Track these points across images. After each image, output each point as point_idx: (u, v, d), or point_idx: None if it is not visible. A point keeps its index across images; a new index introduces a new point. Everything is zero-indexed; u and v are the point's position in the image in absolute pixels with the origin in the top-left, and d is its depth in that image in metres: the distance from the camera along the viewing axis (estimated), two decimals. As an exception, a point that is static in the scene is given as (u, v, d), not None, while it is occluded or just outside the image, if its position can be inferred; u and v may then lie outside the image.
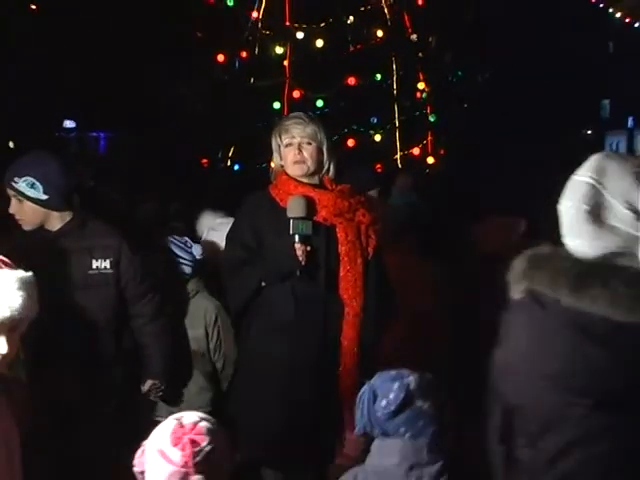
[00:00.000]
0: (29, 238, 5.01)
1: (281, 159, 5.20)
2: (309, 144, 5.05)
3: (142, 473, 3.00)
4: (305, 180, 5.09)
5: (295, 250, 4.85)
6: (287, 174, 5.11)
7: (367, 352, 5.02)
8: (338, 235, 4.97)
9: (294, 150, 5.05)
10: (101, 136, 23.21)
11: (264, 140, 15.13)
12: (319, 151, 5.08)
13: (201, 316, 5.54)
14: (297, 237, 4.84)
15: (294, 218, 4.86)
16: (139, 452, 3.02)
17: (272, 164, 5.48)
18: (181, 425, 2.93)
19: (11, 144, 22.19)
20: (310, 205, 4.91)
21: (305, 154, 5.04)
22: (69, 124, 25.14)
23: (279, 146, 5.19)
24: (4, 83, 22.56)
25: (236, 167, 16.64)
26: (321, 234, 4.96)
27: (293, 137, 5.07)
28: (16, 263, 3.22)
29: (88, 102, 22.63)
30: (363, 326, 4.99)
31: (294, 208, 4.89)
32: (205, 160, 16.75)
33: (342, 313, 4.98)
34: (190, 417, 3.00)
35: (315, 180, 5.11)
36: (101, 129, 23.57)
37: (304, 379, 5.01)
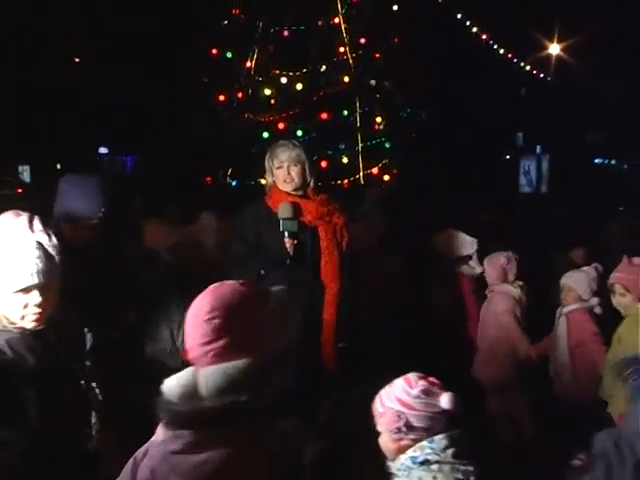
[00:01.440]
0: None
1: (273, 177, 5.24)
2: (295, 165, 5.13)
3: None
4: (293, 193, 5.16)
5: (285, 243, 4.95)
6: (279, 189, 5.19)
7: (343, 323, 5.11)
8: (320, 234, 5.09)
9: (284, 171, 5.14)
10: (128, 159, 23.26)
11: (255, 162, 15.23)
12: (303, 170, 5.15)
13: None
14: (286, 233, 4.94)
15: (283, 219, 4.96)
16: None
17: (265, 180, 5.46)
18: None
19: (58, 166, 22.17)
20: (296, 210, 5.02)
21: (292, 174, 5.13)
22: (103, 150, 25.14)
23: (271, 167, 5.23)
24: (52, 118, 22.54)
25: (233, 183, 16.59)
26: (307, 233, 5.06)
27: (282, 161, 5.15)
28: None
29: (118, 132, 22.65)
30: (340, 303, 5.09)
31: (283, 211, 4.99)
32: (209, 177, 16.68)
33: (324, 293, 5.08)
34: None
35: (300, 192, 5.18)
36: (128, 153, 23.60)
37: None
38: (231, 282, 2.53)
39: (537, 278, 6.81)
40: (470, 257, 6.89)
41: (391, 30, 17.00)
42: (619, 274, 5.25)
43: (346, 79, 16.38)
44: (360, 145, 16.26)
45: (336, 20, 16.52)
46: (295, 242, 4.97)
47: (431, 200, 11.60)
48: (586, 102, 25.54)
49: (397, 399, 2.90)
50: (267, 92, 16.43)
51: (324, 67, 16.33)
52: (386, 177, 16.14)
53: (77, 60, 24.29)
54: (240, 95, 16.71)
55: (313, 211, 5.10)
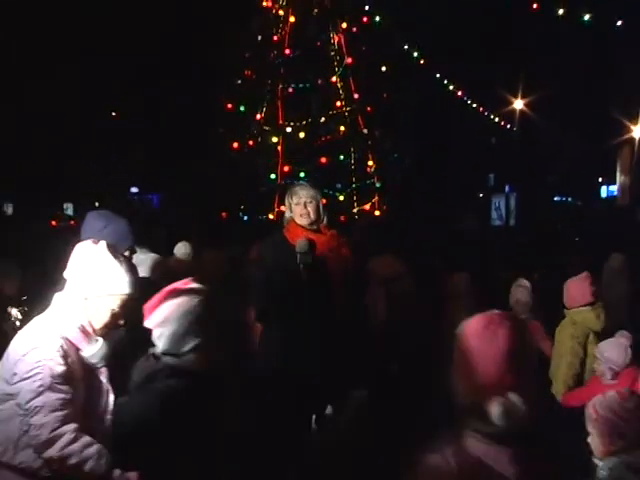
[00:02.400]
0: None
1: (291, 212, 5.10)
2: (311, 202, 5.01)
3: None
4: (308, 227, 5.03)
5: (301, 274, 4.86)
6: (295, 222, 5.05)
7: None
8: (330, 264, 4.98)
9: (301, 207, 5.01)
10: (154, 197, 23.26)
11: (264, 200, 15.06)
12: (318, 208, 5.04)
13: None
14: (302, 266, 4.84)
15: (300, 253, 4.84)
16: None
17: (285, 214, 5.28)
18: None
19: (97, 203, 22.23)
20: (312, 245, 4.88)
21: (309, 209, 5.00)
22: (134, 189, 25.24)
23: (290, 203, 5.09)
24: (92, 163, 22.65)
25: (245, 218, 16.41)
26: (319, 264, 4.93)
27: (300, 198, 5.02)
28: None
29: (146, 175, 22.79)
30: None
31: (301, 246, 4.86)
32: (224, 213, 16.49)
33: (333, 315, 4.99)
34: None
35: (314, 227, 5.05)
36: (154, 192, 23.66)
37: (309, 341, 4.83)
38: None
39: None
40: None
41: (380, 87, 17.00)
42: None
43: (342, 129, 16.37)
44: (354, 185, 16.19)
45: (333, 79, 16.56)
46: (309, 272, 4.87)
47: (416, 229, 11.44)
48: (545, 149, 25.67)
49: (611, 409, 2.96)
50: (274, 140, 16.40)
51: (323, 119, 16.32)
52: (377, 212, 16.01)
53: (114, 114, 24.43)
54: (251, 142, 16.72)
55: (325, 244, 4.99)
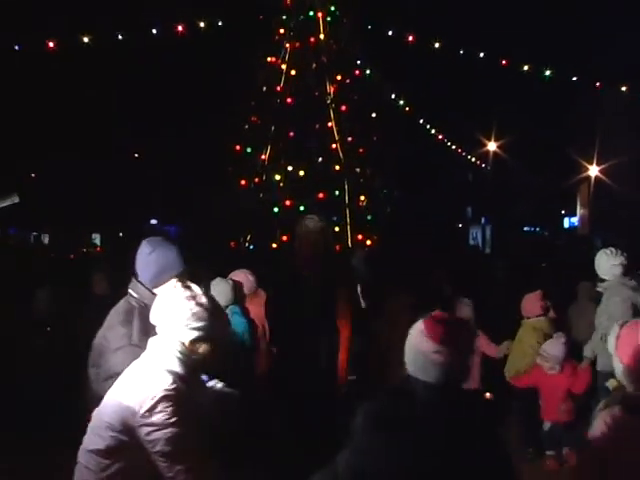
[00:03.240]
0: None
1: (301, 241, 4.82)
2: (319, 234, 4.76)
3: None
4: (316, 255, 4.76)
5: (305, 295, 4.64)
6: (305, 250, 4.79)
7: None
8: (336, 291, 4.73)
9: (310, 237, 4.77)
10: (172, 229, 23.00)
11: (269, 231, 14.65)
12: (325, 238, 4.82)
13: None
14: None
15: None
16: None
17: (296, 243, 4.95)
18: None
19: (120, 234, 22.06)
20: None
21: (317, 239, 4.76)
22: (153, 221, 25.13)
23: (300, 235, 4.81)
24: (116, 199, 22.50)
25: (251, 247, 16.04)
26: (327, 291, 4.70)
27: (309, 230, 4.75)
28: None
29: (165, 208, 22.68)
30: (350, 344, 4.77)
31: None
32: (233, 242, 16.10)
33: (339, 337, 4.73)
34: None
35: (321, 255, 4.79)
36: (172, 224, 23.40)
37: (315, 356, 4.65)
38: None
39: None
40: None
41: (371, 131, 16.83)
42: None
43: (337, 167, 16.09)
44: (348, 218, 15.81)
45: (329, 124, 16.35)
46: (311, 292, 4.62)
47: (403, 257, 11.11)
48: (515, 185, 25.70)
49: None
50: (277, 177, 16.13)
51: (320, 159, 16.04)
52: (368, 242, 15.66)
53: (136, 155, 24.33)
54: (257, 180, 16.44)
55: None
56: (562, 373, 5.64)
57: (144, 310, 3.06)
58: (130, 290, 3.29)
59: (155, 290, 3.23)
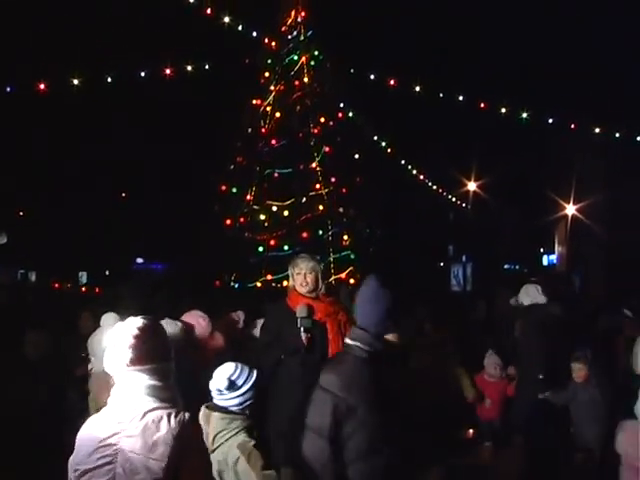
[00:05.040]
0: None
1: (293, 281, 4.84)
2: (310, 273, 4.76)
3: None
4: (308, 295, 4.75)
5: (301, 336, 4.60)
6: (297, 291, 4.78)
7: None
8: (328, 328, 4.68)
9: (302, 277, 4.76)
10: (158, 266, 22.91)
11: (253, 270, 14.63)
12: (317, 278, 4.77)
13: None
14: (302, 329, 4.59)
15: (300, 317, 4.61)
16: None
17: (288, 283, 5.03)
18: None
19: (107, 272, 21.97)
20: (311, 310, 4.66)
21: (308, 280, 4.75)
22: (140, 260, 25.04)
23: (292, 273, 4.83)
24: (102, 238, 22.44)
25: (236, 285, 16.01)
26: (318, 328, 4.67)
27: (301, 269, 4.77)
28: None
29: (151, 247, 22.67)
30: None
31: (301, 311, 4.64)
32: (218, 281, 16.10)
33: None
34: None
35: (314, 295, 4.77)
36: (158, 262, 23.33)
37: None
38: None
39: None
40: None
41: (353, 172, 16.98)
42: None
43: (321, 207, 16.23)
44: (332, 256, 15.88)
45: (313, 165, 16.51)
46: (309, 336, 4.59)
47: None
48: (495, 224, 25.92)
49: None
50: (262, 217, 16.25)
51: (304, 199, 16.16)
52: (352, 281, 15.67)
53: (123, 195, 24.38)
54: (242, 220, 16.55)
55: (323, 310, 4.71)
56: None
57: None
58: None
59: None
